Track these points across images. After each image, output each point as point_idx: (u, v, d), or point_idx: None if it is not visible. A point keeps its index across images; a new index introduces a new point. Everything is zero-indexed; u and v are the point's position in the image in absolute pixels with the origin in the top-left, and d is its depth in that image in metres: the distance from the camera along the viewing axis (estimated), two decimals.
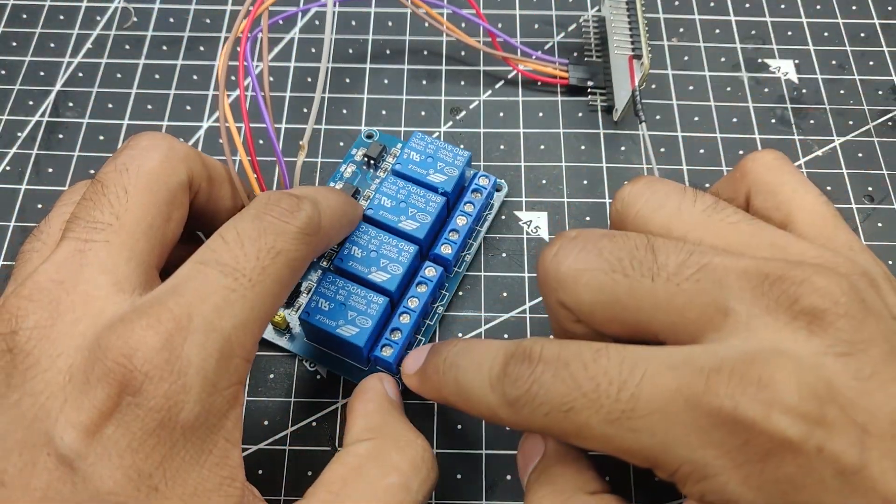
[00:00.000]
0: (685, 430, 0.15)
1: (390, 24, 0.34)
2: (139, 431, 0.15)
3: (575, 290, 0.17)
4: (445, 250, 0.26)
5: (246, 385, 0.26)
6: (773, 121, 0.32)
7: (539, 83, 0.32)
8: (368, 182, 0.29)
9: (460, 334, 0.27)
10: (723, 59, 0.33)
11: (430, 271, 0.26)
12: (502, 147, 0.31)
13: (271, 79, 0.32)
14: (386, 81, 0.33)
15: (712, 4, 0.35)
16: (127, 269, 0.17)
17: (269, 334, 0.26)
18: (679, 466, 0.15)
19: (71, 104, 0.32)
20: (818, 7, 0.35)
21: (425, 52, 0.33)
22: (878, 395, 0.15)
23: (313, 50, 0.33)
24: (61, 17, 0.34)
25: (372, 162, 0.29)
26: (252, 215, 0.18)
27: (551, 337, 0.20)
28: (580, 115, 0.32)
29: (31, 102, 0.32)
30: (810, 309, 0.15)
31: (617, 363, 0.16)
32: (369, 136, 0.30)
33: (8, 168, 0.30)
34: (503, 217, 0.29)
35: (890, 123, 0.32)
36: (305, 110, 0.32)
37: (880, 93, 0.32)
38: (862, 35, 0.34)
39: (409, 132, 0.31)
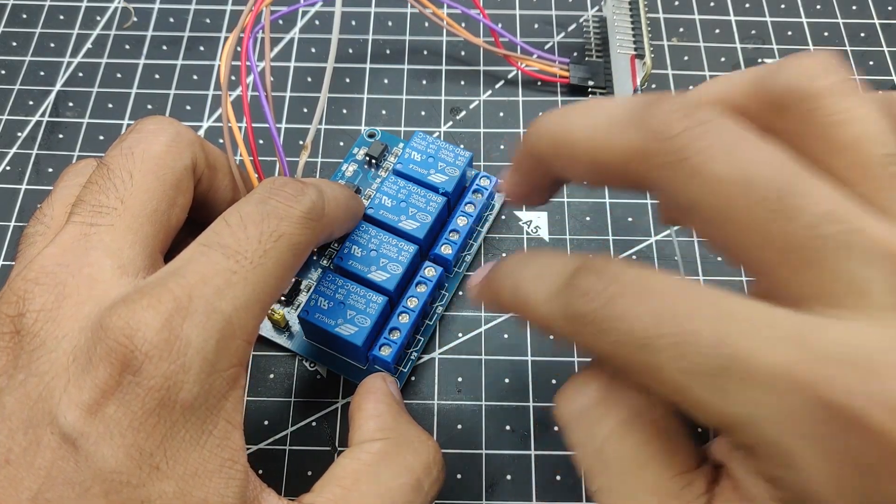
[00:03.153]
0: (782, 414, 0.12)
1: (390, 24, 0.34)
2: (140, 411, 0.15)
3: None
4: (445, 250, 0.26)
5: (248, 370, 0.26)
6: None
7: (539, 83, 0.32)
8: (370, 181, 0.29)
9: (460, 334, 0.27)
10: (723, 59, 0.33)
11: (430, 271, 0.26)
12: (502, 147, 0.31)
13: (272, 78, 0.32)
14: (386, 81, 0.33)
15: (712, 4, 0.35)
16: (131, 252, 0.18)
17: (269, 332, 0.26)
18: (757, 444, 0.13)
19: (71, 104, 0.32)
20: (818, 7, 0.35)
21: (425, 52, 0.33)
22: None
23: (313, 50, 0.33)
24: (61, 17, 0.34)
25: (373, 161, 0.29)
26: (256, 199, 0.18)
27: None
28: None
29: (31, 102, 0.32)
30: None
31: (713, 313, 0.13)
32: (371, 136, 0.30)
33: (8, 168, 0.30)
34: (503, 217, 0.29)
35: None
36: (305, 110, 0.32)
37: (880, 93, 0.32)
38: (862, 35, 0.34)
39: (409, 132, 0.31)
